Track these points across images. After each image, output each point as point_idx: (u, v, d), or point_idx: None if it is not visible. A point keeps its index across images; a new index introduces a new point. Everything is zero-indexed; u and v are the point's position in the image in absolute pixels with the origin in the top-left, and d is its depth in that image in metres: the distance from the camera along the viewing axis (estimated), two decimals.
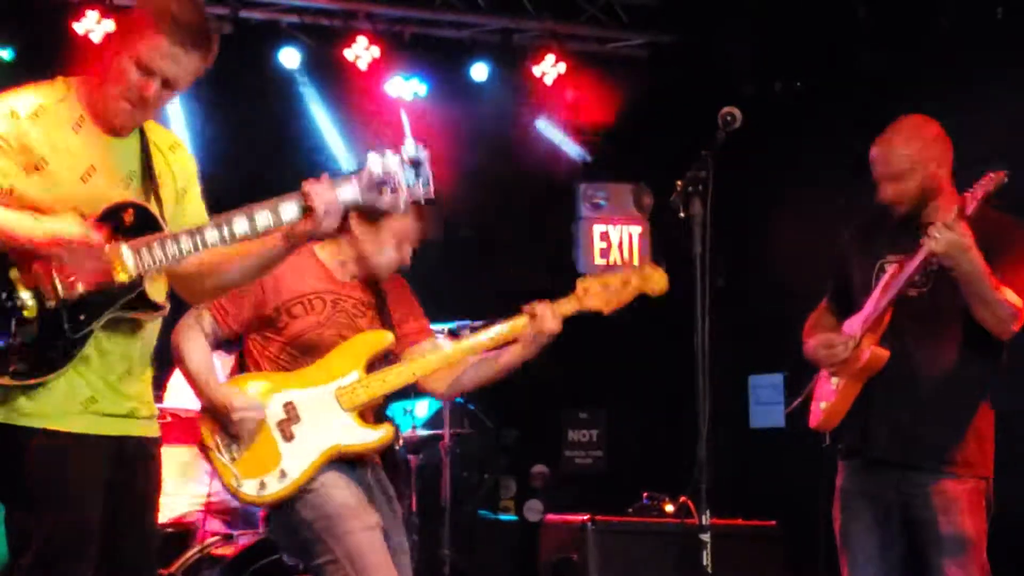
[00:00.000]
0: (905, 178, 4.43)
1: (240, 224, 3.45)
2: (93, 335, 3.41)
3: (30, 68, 7.32)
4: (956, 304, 4.33)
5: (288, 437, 4.29)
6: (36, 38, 7.63)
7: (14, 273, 3.33)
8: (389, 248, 4.46)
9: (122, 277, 3.39)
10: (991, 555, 4.40)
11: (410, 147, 3.49)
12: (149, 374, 3.66)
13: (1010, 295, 4.31)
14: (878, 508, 4.48)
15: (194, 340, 4.34)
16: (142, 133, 3.62)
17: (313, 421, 4.31)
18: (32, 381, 3.35)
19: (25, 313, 3.32)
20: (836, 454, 4.64)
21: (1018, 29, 6.63)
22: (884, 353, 4.45)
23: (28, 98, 3.46)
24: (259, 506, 4.36)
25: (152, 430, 3.64)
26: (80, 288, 3.36)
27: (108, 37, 7.43)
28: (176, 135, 3.79)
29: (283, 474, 4.25)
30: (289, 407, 4.32)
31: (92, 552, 3.41)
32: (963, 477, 4.39)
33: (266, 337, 4.43)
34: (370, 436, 4.36)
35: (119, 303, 3.43)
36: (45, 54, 7.47)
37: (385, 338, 4.44)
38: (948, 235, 4.17)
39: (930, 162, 4.44)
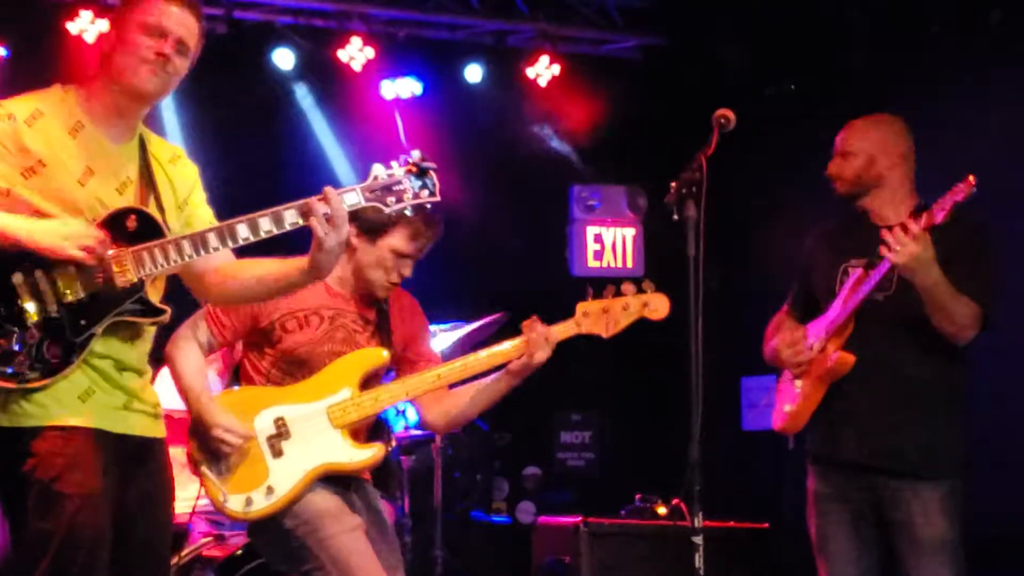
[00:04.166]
0: (848, 159, 4.57)
1: (242, 230, 3.51)
2: (94, 339, 3.42)
3: (24, 67, 7.36)
4: (921, 308, 4.34)
5: (277, 453, 4.28)
6: (30, 38, 7.62)
7: (17, 278, 3.35)
8: (387, 264, 4.43)
9: (125, 281, 3.43)
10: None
11: (415, 155, 3.56)
12: (148, 375, 3.67)
13: (967, 301, 4.32)
14: (853, 511, 4.49)
15: (188, 352, 4.33)
16: (142, 143, 3.65)
17: (303, 438, 4.29)
18: (35, 384, 3.36)
19: (27, 318, 3.34)
20: (803, 457, 4.65)
21: (1011, 32, 6.65)
22: (850, 358, 4.46)
23: (25, 103, 3.50)
24: (245, 522, 4.34)
25: (154, 429, 3.65)
26: (81, 293, 3.39)
27: (102, 37, 7.43)
28: (177, 147, 3.82)
29: (270, 490, 4.23)
30: (280, 423, 4.30)
31: (106, 555, 3.42)
32: (938, 479, 4.40)
33: (260, 351, 4.43)
34: (359, 455, 4.34)
35: (121, 307, 3.45)
36: (39, 54, 7.48)
37: (379, 356, 4.41)
38: (910, 248, 4.18)
39: (880, 155, 4.53)
